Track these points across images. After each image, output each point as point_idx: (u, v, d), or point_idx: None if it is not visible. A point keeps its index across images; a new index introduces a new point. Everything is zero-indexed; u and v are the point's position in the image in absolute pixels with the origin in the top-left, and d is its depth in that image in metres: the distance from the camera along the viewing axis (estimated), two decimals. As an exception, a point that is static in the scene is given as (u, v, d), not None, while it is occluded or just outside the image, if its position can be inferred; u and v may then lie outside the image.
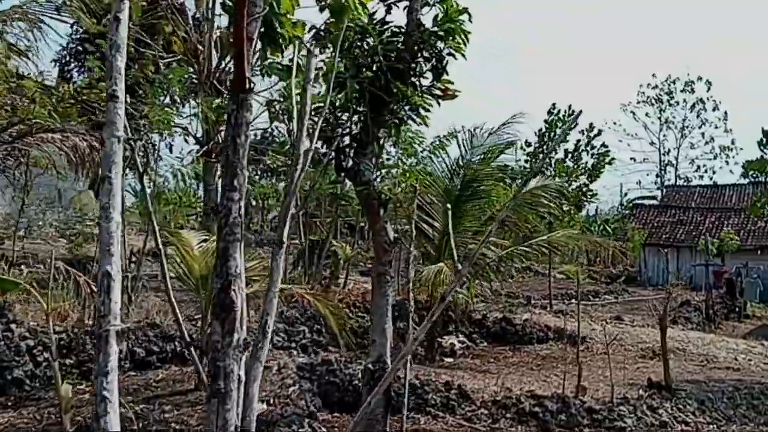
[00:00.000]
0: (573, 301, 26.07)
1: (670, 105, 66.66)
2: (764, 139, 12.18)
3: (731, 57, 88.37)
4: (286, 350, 10.72)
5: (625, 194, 53.21)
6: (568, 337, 15.43)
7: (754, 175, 12.32)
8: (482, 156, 13.22)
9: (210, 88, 16.80)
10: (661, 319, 10.54)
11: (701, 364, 13.38)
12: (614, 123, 67.95)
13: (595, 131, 20.43)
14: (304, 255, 15.47)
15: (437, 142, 14.26)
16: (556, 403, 8.97)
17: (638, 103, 66.04)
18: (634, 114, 65.76)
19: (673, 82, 65.75)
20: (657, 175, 64.95)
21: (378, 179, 7.37)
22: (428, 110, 7.20)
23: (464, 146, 13.05)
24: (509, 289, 25.20)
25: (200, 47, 17.17)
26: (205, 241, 8.38)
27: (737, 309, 26.69)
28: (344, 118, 7.04)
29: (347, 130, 7.18)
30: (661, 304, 25.27)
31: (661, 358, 13.84)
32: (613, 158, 20.32)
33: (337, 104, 7.01)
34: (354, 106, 7.04)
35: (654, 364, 13.31)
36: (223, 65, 17.26)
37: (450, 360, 13.84)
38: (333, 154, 7.15)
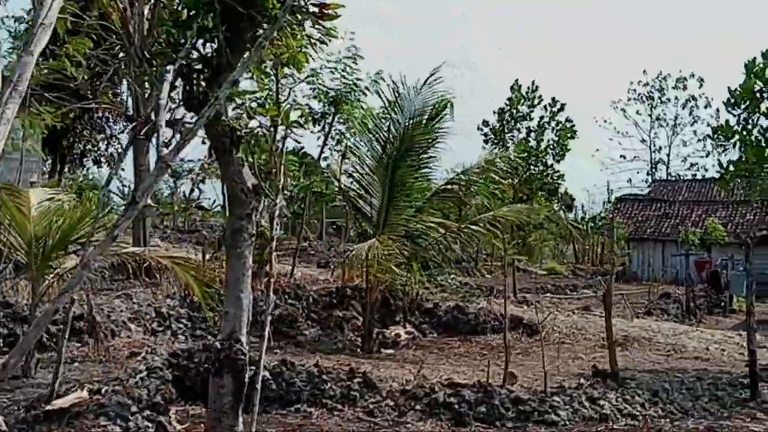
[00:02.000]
0: (548, 294, 24.81)
1: (662, 102, 65.40)
2: (732, 99, 10.84)
3: (720, 52, 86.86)
4: (175, 336, 9.34)
5: (612, 191, 51.89)
6: (524, 326, 14.11)
7: (721, 142, 10.95)
8: (417, 118, 11.86)
9: (141, 61, 15.45)
10: (605, 295, 9.16)
11: (667, 354, 12.03)
12: (605, 121, 66.82)
13: (558, 106, 19.10)
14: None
15: (355, 90, 12.92)
16: (476, 392, 7.60)
17: (629, 100, 64.76)
18: (624, 111, 64.47)
19: (665, 79, 64.44)
20: (648, 173, 63.60)
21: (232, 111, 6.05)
22: (299, 25, 5.85)
23: (393, 105, 11.68)
24: (488, 284, 23.92)
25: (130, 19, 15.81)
26: (50, 199, 7.01)
27: (723, 303, 25.34)
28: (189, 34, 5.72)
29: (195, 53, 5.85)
30: (644, 297, 24.01)
31: (624, 345, 12.55)
32: (575, 131, 18.91)
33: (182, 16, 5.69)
34: (203, 20, 5.71)
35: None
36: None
37: (390, 351, 12.48)
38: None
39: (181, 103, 6.04)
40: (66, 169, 34.45)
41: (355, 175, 12.42)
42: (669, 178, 61.91)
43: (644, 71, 67.01)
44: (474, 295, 18.17)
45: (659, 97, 64.92)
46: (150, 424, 6.05)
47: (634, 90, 64.41)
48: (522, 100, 18.81)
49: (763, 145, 10.67)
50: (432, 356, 11.82)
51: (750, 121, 10.88)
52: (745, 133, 10.80)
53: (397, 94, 11.83)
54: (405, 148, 11.99)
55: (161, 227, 32.44)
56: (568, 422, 7.43)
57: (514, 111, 18.78)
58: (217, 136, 5.83)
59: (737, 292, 27.63)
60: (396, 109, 11.83)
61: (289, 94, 13.97)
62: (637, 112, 64.69)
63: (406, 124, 11.91)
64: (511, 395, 7.65)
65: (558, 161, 19.13)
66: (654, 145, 65.98)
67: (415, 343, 13.19)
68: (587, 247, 48.48)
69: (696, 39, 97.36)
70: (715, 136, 11.18)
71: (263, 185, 5.96)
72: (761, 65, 10.56)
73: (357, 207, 12.49)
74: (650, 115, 65.19)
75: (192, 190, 47.22)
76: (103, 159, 34.08)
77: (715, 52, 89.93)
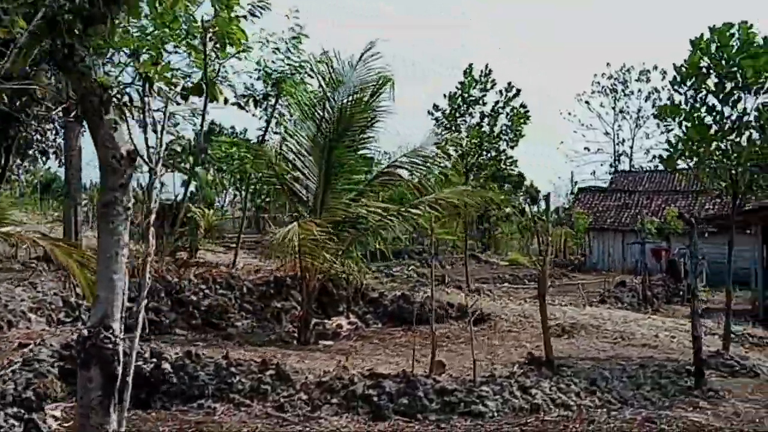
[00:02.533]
0: (506, 284, 24.45)
1: (625, 95, 65.68)
2: (677, 77, 10.41)
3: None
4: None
5: (576, 183, 51.97)
6: (472, 314, 13.59)
7: (666, 123, 10.52)
8: (354, 96, 11.22)
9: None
10: (540, 281, 8.64)
11: (614, 342, 11.59)
12: (569, 113, 67.10)
13: (514, 91, 18.65)
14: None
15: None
16: (398, 383, 7.03)
17: (593, 93, 65.00)
18: (588, 104, 64.70)
19: (628, 71, 64.77)
20: (611, 165, 63.88)
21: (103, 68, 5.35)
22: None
23: (328, 82, 11.03)
24: (449, 275, 23.46)
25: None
26: None
27: (681, 292, 25.22)
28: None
29: None
30: (600, 286, 23.75)
31: (571, 332, 12.11)
32: (529, 117, 18.48)
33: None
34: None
35: (560, 341, 11.50)
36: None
37: (329, 343, 11.85)
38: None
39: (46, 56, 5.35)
40: (14, 163, 33.07)
41: (289, 156, 11.72)
42: (632, 169, 62.35)
43: (608, 64, 67.45)
44: (425, 285, 17.63)
45: (623, 90, 65.29)
46: (17, 423, 5.34)
47: (598, 83, 64.77)
48: (474, 84, 18.30)
49: (709, 123, 10.27)
50: (371, 346, 11.25)
51: (697, 100, 10.48)
52: (692, 111, 10.40)
53: (331, 69, 11.17)
54: (342, 128, 11.35)
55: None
56: (496, 413, 6.90)
57: (466, 95, 18.26)
58: (85, 94, 5.13)
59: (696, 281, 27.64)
60: (331, 86, 11.17)
61: (218, 70, 13.35)
62: (601, 105, 65.07)
63: (343, 102, 11.26)
64: (436, 385, 7.09)
65: (512, 147, 18.63)
66: (617, 138, 66.41)
67: (357, 334, 12.60)
68: (551, 238, 48.59)
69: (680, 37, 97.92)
70: (661, 115, 10.74)
71: (138, 151, 5.29)
72: (707, 41, 10.15)
73: (293, 191, 11.81)
74: (614, 108, 65.56)
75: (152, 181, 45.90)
76: (50, 150, 32.81)
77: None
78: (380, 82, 11.32)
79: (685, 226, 28.22)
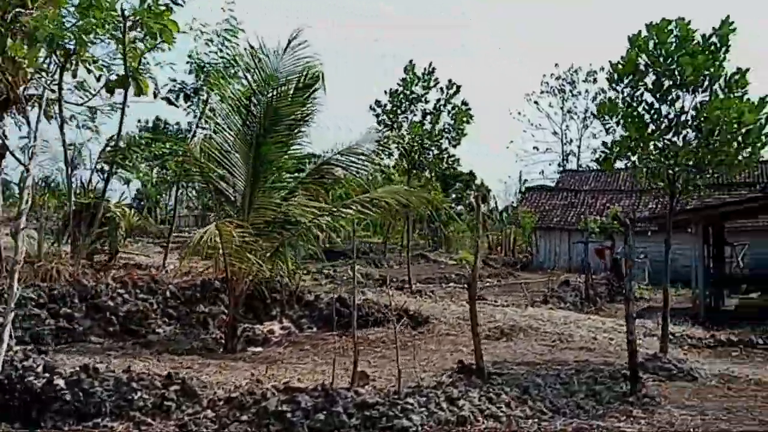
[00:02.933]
0: (451, 284, 24.17)
1: (573, 95, 66.57)
2: (615, 75, 10.16)
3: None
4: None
5: (525, 182, 52.36)
6: (410, 317, 13.21)
7: (605, 121, 10.26)
8: (282, 88, 10.63)
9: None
10: (470, 286, 8.27)
11: (552, 344, 11.32)
12: (519, 113, 67.73)
13: (454, 88, 18.31)
14: (69, 223, 12.49)
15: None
16: (316, 398, 6.52)
17: (542, 93, 65.76)
18: (537, 104, 65.45)
19: (576, 72, 65.69)
20: (559, 164, 64.74)
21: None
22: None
23: (252, 72, 10.42)
24: (395, 275, 23.05)
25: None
26: None
27: (624, 290, 25.37)
28: None
29: None
30: (544, 286, 23.67)
31: (510, 335, 11.81)
32: (472, 115, 18.18)
33: None
34: None
35: (498, 345, 11.20)
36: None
37: (258, 350, 11.28)
38: None
39: None
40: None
41: (215, 152, 11.07)
42: (580, 169, 63.21)
43: (556, 64, 68.12)
44: (366, 286, 17.19)
45: (570, 90, 66.20)
46: None
47: (547, 83, 65.56)
48: (417, 81, 17.90)
49: (647, 121, 10.07)
50: (300, 354, 10.70)
51: (635, 98, 10.27)
52: (630, 110, 10.17)
53: (257, 60, 10.56)
54: (270, 123, 10.74)
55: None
56: (421, 427, 6.46)
57: (408, 92, 17.85)
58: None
59: (639, 280, 27.91)
60: (256, 77, 10.55)
61: (140, 62, 12.58)
62: (550, 105, 65.90)
63: (271, 94, 10.65)
64: (357, 399, 6.61)
65: (454, 146, 18.29)
66: (565, 138, 67.37)
67: (289, 340, 12.03)
68: (500, 237, 48.82)
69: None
70: (599, 114, 10.49)
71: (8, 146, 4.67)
72: (645, 38, 9.93)
73: (219, 189, 11.16)
74: (562, 108, 66.46)
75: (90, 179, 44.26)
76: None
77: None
78: (308, 73, 10.76)
79: (620, 228, 28.56)
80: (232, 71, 14.58)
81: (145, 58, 12.22)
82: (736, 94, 9.82)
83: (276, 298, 13.19)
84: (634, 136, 9.88)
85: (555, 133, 66.66)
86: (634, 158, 10.44)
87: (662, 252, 11.06)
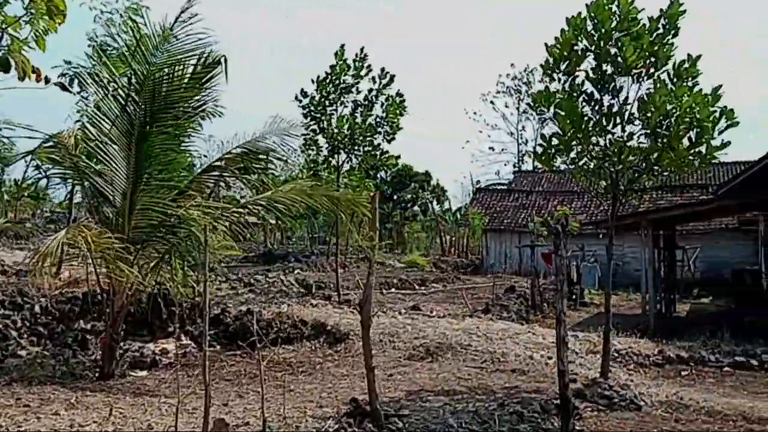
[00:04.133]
0: (393, 290, 22.80)
1: (528, 95, 65.90)
2: (551, 60, 8.86)
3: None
4: None
5: (477, 182, 51.41)
6: (327, 333, 11.74)
7: (540, 111, 8.95)
8: (171, 70, 9.04)
9: None
10: (361, 308, 6.81)
11: (482, 366, 9.97)
12: (474, 113, 66.89)
13: (388, 78, 16.87)
14: None
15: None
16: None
17: (498, 93, 64.98)
18: (493, 104, 64.71)
19: (531, 72, 65.03)
20: (514, 165, 64.07)
21: None
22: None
23: (134, 52, 8.82)
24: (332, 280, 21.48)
25: None
26: None
27: (574, 296, 24.36)
28: None
29: None
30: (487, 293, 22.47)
31: (436, 355, 10.46)
32: (405, 107, 16.75)
33: None
34: None
35: (420, 368, 9.79)
36: None
37: (142, 374, 9.68)
38: None
39: None
40: None
41: (91, 145, 9.42)
42: (535, 169, 62.66)
43: (512, 64, 67.48)
44: (288, 296, 15.63)
45: (526, 91, 65.47)
46: None
47: (503, 83, 64.81)
48: (347, 69, 16.37)
49: (587, 113, 8.80)
50: (187, 380, 9.12)
51: (574, 87, 8.99)
52: (567, 100, 8.88)
53: (138, 36, 8.97)
54: (156, 111, 9.15)
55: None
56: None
57: (337, 81, 16.31)
58: None
59: (589, 284, 26.97)
60: (138, 57, 8.94)
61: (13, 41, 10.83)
62: (506, 105, 65.20)
63: (156, 78, 9.05)
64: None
65: (389, 141, 16.79)
66: (521, 138, 66.76)
67: (185, 361, 10.45)
68: (453, 238, 47.76)
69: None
70: (536, 105, 9.19)
71: None
72: (583, 18, 8.66)
73: (97, 188, 9.52)
74: (518, 108, 65.75)
75: (24, 177, 41.51)
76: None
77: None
78: (210, 55, 9.19)
79: (586, 229, 27.60)
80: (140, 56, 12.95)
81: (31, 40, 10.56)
82: (687, 84, 8.62)
83: (174, 311, 11.59)
84: (569, 130, 8.58)
85: (511, 133, 66.00)
86: (572, 155, 9.16)
87: (614, 255, 9.84)
